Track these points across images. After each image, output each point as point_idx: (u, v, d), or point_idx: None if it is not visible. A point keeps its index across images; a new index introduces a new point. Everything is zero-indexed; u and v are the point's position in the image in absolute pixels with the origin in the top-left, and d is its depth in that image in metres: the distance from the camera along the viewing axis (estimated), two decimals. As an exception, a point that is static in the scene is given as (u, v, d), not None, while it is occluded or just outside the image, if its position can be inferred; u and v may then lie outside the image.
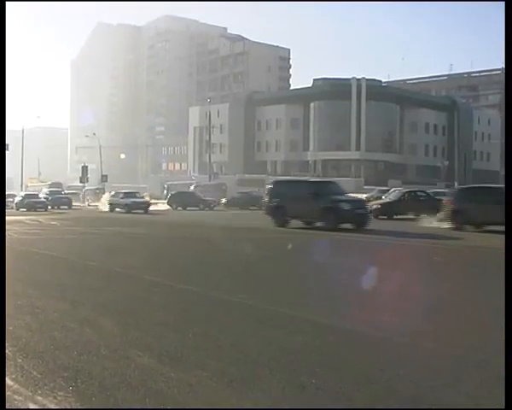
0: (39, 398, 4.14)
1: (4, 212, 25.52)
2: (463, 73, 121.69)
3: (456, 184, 63.77)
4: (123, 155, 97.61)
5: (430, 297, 8.39)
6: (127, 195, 43.20)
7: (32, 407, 4.02)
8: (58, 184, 70.95)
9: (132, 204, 40.79)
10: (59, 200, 50.73)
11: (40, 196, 50.43)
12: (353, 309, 7.50)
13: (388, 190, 45.00)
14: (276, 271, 11.74)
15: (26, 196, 48.28)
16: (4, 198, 37.51)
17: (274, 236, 20.83)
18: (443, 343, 5.74)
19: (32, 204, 44.89)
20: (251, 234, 21.14)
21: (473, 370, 4.91)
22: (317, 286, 9.46)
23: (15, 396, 4.18)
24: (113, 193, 46.34)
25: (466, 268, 12.19)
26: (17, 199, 48.31)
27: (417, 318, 6.90)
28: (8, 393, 4.25)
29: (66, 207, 49.13)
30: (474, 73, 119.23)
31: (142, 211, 39.75)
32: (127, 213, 39.06)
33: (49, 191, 54.44)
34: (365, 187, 65.46)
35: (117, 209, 42.17)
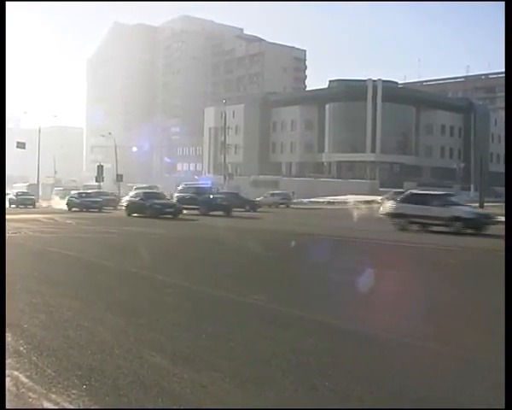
0: (53, 396, 4.17)
1: (4, 212, 25.59)
2: (480, 75, 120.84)
3: (471, 186, 63.35)
4: (135, 148, 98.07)
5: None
6: None
7: (45, 404, 4.05)
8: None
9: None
10: (212, 202, 36.23)
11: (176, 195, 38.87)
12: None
13: (403, 193, 44.69)
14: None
15: (146, 196, 34.14)
16: (4, 198, 37.71)
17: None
18: (452, 345, 5.72)
19: (157, 209, 31.67)
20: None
21: (484, 372, 4.88)
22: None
23: (30, 394, 4.22)
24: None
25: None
26: (126, 199, 36.96)
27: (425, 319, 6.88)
28: (22, 390, 4.29)
29: (223, 212, 35.32)
30: (491, 74, 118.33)
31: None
32: None
33: (197, 188, 40.13)
34: (380, 189, 65.22)
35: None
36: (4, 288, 7.46)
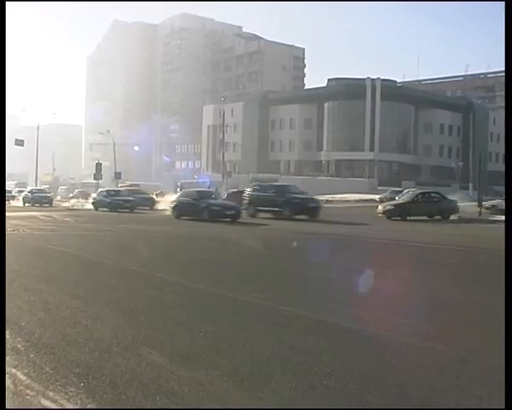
0: (51, 394, 4.16)
1: (4, 211, 25.52)
2: (479, 74, 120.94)
3: (470, 185, 63.39)
4: (136, 148, 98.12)
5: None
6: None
7: (43, 402, 4.03)
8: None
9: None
10: (298, 203, 29.80)
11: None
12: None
13: (402, 191, 44.81)
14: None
15: (200, 196, 29.90)
16: (4, 198, 36.98)
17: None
18: (453, 345, 5.71)
19: (215, 211, 27.51)
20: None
21: (485, 372, 4.87)
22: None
23: (28, 391, 4.21)
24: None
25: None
26: (174, 199, 32.54)
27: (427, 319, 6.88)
28: (20, 388, 4.27)
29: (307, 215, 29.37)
30: (490, 73, 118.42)
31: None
32: None
33: (277, 187, 33.51)
34: (379, 188, 65.30)
35: None
36: (4, 287, 7.43)
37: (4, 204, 32.61)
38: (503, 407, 3.82)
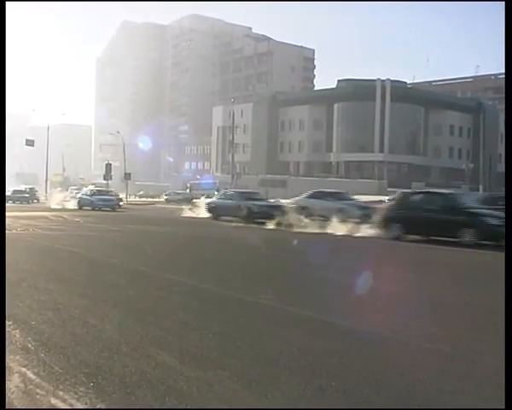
0: (61, 393, 4.18)
1: (4, 211, 25.49)
2: (490, 75, 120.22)
3: (480, 186, 63.10)
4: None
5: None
6: None
7: (53, 401, 4.06)
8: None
9: None
10: None
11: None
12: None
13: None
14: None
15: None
16: (4, 198, 36.50)
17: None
18: (460, 347, 5.70)
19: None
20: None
21: (492, 375, 4.86)
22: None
23: (38, 390, 4.23)
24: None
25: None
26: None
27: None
28: (30, 386, 4.30)
29: None
30: (500, 74, 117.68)
31: None
32: None
33: None
34: (388, 189, 65.11)
35: None
36: (4, 288, 7.45)
37: (4, 204, 32.50)
38: (503, 407, 3.82)
